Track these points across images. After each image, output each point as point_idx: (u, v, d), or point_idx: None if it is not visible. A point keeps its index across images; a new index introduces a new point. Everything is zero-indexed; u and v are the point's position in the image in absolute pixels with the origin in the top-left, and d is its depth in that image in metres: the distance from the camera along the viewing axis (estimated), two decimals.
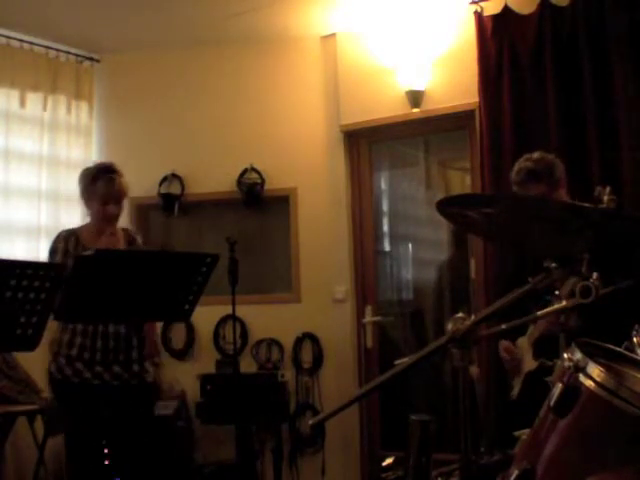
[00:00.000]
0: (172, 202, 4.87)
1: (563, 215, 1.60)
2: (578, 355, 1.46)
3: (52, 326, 3.26)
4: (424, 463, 1.87)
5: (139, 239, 3.49)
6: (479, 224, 1.80)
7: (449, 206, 1.78)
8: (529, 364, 3.01)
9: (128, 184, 3.38)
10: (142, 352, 3.30)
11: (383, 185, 5.11)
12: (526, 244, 1.99)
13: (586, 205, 1.53)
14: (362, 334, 4.69)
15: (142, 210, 5.00)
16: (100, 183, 3.28)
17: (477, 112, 4.12)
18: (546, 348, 2.76)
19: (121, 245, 3.34)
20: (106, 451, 3.21)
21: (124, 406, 3.25)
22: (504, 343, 3.10)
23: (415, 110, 4.42)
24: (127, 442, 3.25)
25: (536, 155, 3.03)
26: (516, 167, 3.05)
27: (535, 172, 2.96)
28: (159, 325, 3.57)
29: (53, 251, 3.31)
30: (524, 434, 1.68)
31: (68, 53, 4.87)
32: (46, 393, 4.36)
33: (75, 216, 4.83)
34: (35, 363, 4.34)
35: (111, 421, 3.22)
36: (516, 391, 3.06)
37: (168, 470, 4.14)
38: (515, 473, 1.47)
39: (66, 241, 3.31)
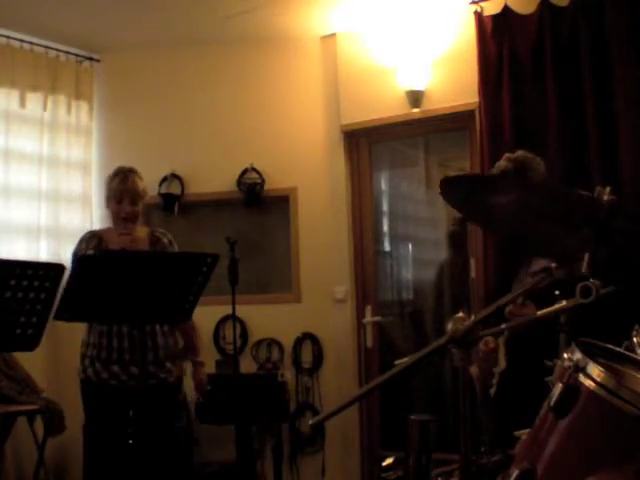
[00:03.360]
0: (172, 202, 4.87)
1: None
2: (578, 355, 1.46)
3: (81, 328, 3.34)
4: (424, 463, 1.87)
5: (165, 240, 3.49)
6: (481, 211, 1.79)
7: (453, 188, 1.77)
8: (502, 364, 3.02)
9: (146, 187, 3.41)
10: (158, 353, 3.31)
11: (383, 185, 5.11)
12: (528, 238, 1.99)
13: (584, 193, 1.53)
14: (362, 334, 4.69)
15: (142, 210, 4.98)
16: (115, 181, 3.36)
17: (477, 112, 4.12)
18: (518, 347, 2.77)
19: (142, 245, 3.36)
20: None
21: (143, 407, 3.20)
22: (486, 337, 3.11)
23: (415, 110, 4.42)
24: (147, 443, 3.20)
25: (515, 155, 3.10)
26: (495, 165, 3.11)
27: (507, 172, 3.01)
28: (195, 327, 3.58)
29: (75, 253, 3.38)
30: (524, 434, 1.68)
31: (68, 53, 4.87)
32: (46, 393, 4.37)
33: (75, 216, 4.84)
34: (35, 363, 4.35)
35: (132, 422, 3.20)
36: (493, 390, 3.07)
37: (168, 470, 4.14)
38: (515, 473, 1.47)
39: (87, 242, 3.38)
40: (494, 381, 3.08)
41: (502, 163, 3.07)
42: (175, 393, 3.46)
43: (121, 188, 3.32)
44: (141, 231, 3.47)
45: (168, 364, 3.36)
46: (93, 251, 3.28)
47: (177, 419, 3.56)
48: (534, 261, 2.96)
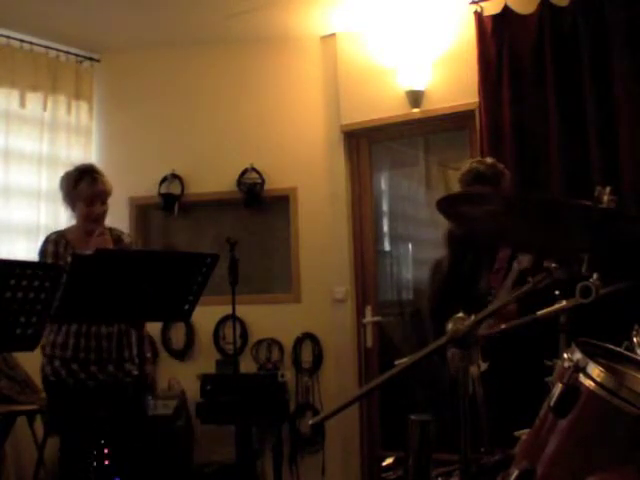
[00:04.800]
0: (172, 202, 4.86)
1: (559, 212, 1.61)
2: (578, 355, 1.46)
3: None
4: (424, 463, 1.87)
5: (125, 238, 3.47)
6: (480, 224, 1.80)
7: (450, 204, 1.79)
8: (481, 365, 3.02)
9: (111, 183, 3.38)
10: (137, 350, 3.30)
11: (383, 185, 5.11)
12: (528, 242, 1.99)
13: (587, 204, 1.53)
14: (362, 334, 4.69)
15: (142, 210, 5.00)
16: (83, 184, 3.29)
17: (477, 112, 4.12)
18: (494, 349, 2.79)
19: (110, 244, 3.33)
20: (106, 451, 3.21)
21: (120, 405, 3.25)
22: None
23: (415, 110, 4.42)
24: (125, 441, 3.24)
25: (489, 160, 3.13)
26: (467, 166, 3.11)
27: (484, 176, 3.03)
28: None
29: (42, 253, 3.29)
30: (524, 434, 1.68)
31: (68, 53, 4.87)
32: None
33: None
34: (35, 363, 4.31)
35: (108, 421, 3.22)
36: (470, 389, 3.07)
37: (168, 470, 4.14)
38: (515, 473, 1.47)
39: (56, 243, 3.29)
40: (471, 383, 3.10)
41: (479, 167, 3.07)
42: (144, 388, 3.45)
43: (92, 190, 3.27)
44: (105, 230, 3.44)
45: (128, 365, 3.34)
46: (89, 251, 3.26)
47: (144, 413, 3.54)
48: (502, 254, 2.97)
